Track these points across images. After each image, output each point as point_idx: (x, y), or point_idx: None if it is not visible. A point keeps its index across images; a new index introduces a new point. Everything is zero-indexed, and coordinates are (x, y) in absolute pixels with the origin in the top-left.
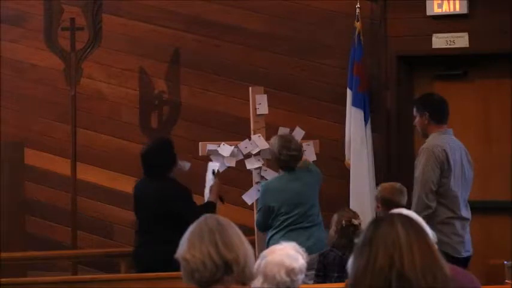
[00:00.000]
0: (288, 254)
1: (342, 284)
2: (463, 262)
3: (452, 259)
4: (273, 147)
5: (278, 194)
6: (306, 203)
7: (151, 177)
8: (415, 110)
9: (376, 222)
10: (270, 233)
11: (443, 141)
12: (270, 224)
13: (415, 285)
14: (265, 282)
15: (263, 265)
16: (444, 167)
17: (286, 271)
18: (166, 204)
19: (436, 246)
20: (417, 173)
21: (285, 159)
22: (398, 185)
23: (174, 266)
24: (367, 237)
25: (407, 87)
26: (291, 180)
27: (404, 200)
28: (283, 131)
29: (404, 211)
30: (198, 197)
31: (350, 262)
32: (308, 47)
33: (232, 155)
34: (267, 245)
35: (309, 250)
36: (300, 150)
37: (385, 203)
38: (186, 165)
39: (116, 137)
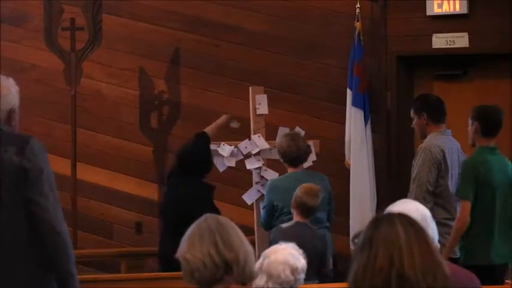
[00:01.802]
0: (291, 253)
1: (341, 284)
2: (458, 262)
3: (448, 259)
4: (282, 144)
5: (283, 193)
6: None
7: (183, 178)
8: (412, 112)
9: (376, 222)
10: None
11: (441, 141)
12: (274, 224)
13: (415, 285)
14: (269, 281)
15: (266, 264)
16: (441, 167)
17: (291, 270)
18: (186, 205)
19: (436, 246)
20: (414, 173)
21: (294, 150)
22: (314, 186)
23: None
24: (367, 237)
25: (407, 87)
26: (298, 180)
27: (314, 202)
28: (283, 131)
29: (410, 203)
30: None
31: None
32: (308, 47)
33: (232, 155)
34: (270, 245)
35: None
36: (308, 146)
37: (295, 200)
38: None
39: (116, 137)
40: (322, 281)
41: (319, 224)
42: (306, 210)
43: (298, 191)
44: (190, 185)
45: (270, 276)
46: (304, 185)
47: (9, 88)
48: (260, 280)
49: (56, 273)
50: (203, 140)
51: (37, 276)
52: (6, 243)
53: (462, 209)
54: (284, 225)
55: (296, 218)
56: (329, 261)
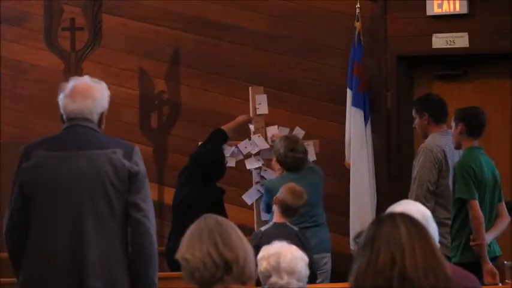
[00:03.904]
0: (298, 249)
1: (342, 284)
2: (451, 261)
3: (448, 259)
4: (279, 149)
5: None
6: (308, 203)
7: (199, 183)
8: (414, 111)
9: (378, 222)
10: None
11: (442, 141)
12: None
13: (416, 284)
14: (291, 278)
15: (286, 262)
16: (442, 167)
17: (306, 264)
18: (195, 206)
19: (438, 246)
20: (415, 172)
21: (291, 161)
22: (299, 188)
23: None
24: (369, 237)
25: (407, 87)
26: (294, 180)
27: (295, 203)
28: (283, 131)
29: (412, 204)
30: None
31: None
32: (308, 47)
33: (232, 155)
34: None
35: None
36: (305, 152)
37: (278, 196)
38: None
39: (116, 137)
40: (308, 281)
41: (313, 221)
42: (288, 210)
43: (282, 189)
44: (201, 186)
45: (291, 273)
46: (288, 184)
47: (102, 91)
48: (279, 279)
49: (140, 280)
50: (220, 143)
51: (127, 277)
52: (108, 239)
53: (473, 209)
54: (263, 228)
55: (276, 217)
56: (311, 260)
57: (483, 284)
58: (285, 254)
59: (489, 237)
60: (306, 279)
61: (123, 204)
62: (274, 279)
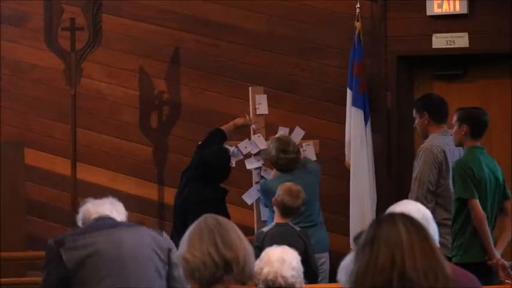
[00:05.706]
0: (290, 249)
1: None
2: (451, 261)
3: (448, 260)
4: (271, 151)
5: (274, 195)
6: (304, 203)
7: (203, 184)
8: (414, 111)
9: (378, 222)
10: None
11: (442, 141)
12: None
13: (416, 285)
14: (283, 265)
15: (277, 253)
16: (442, 167)
17: (298, 260)
18: (197, 206)
19: (438, 246)
20: (415, 173)
21: (283, 162)
22: (295, 187)
23: None
24: (368, 237)
25: (407, 87)
26: (290, 181)
27: (294, 203)
28: (283, 130)
29: (412, 204)
30: None
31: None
32: (308, 47)
33: (232, 155)
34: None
35: None
36: (298, 152)
37: (276, 198)
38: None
39: (116, 137)
40: (310, 281)
41: (310, 221)
42: (286, 210)
43: (279, 190)
44: (203, 187)
45: (282, 262)
46: (285, 184)
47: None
48: (270, 268)
49: None
50: (220, 143)
51: None
52: None
53: (474, 208)
54: (264, 229)
55: (277, 217)
56: (313, 259)
57: (483, 284)
58: (274, 250)
59: (503, 243)
60: (301, 274)
61: (166, 272)
62: (266, 270)
